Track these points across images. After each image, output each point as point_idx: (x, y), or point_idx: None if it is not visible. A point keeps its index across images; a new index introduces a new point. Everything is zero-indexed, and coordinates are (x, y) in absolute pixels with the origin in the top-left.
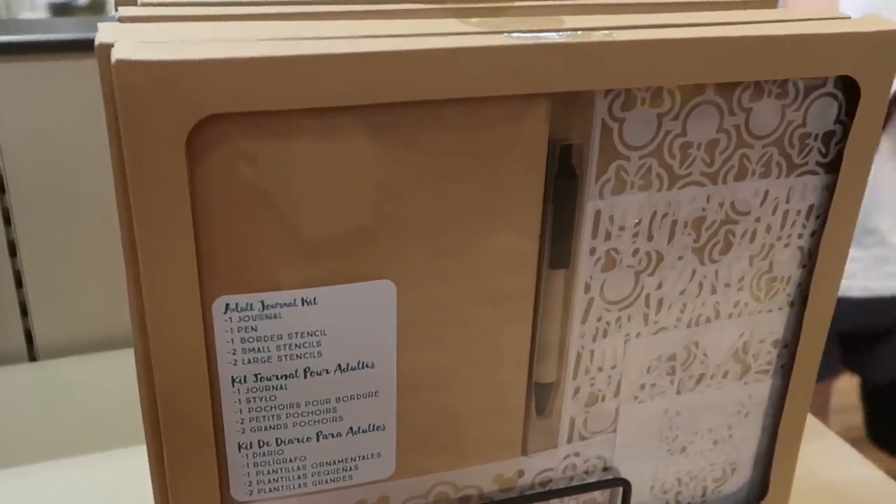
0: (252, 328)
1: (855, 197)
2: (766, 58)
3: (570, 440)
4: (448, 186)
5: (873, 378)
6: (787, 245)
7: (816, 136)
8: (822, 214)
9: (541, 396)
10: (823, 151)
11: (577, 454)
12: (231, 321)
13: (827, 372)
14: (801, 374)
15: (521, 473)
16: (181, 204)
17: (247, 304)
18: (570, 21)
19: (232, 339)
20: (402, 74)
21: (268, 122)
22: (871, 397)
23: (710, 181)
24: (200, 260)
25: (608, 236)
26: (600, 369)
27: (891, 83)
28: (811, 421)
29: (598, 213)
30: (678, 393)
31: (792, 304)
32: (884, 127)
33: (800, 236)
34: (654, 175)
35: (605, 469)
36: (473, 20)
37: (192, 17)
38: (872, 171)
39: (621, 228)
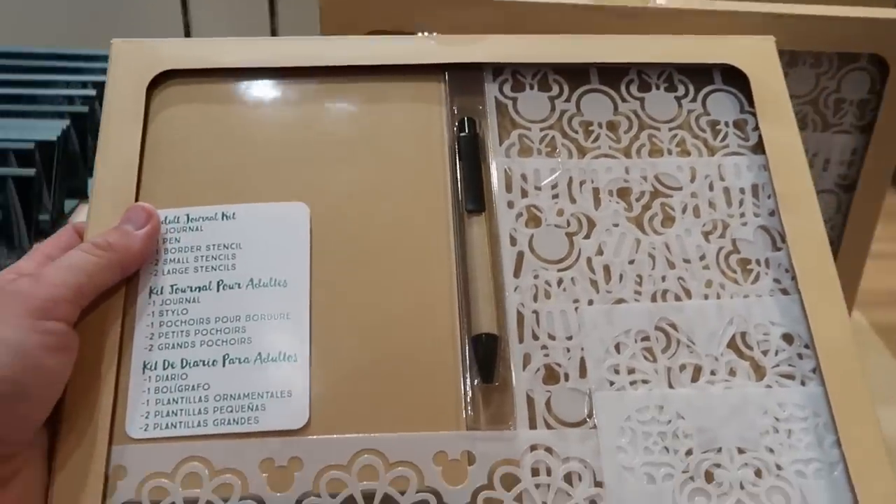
0: (176, 239)
1: (797, 175)
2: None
3: (533, 424)
4: (361, 141)
5: None
6: (744, 224)
7: (727, 122)
8: (772, 194)
9: (481, 355)
10: (742, 136)
11: (547, 450)
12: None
13: None
14: (835, 382)
15: (470, 458)
16: (134, 133)
17: (174, 217)
18: None
19: (157, 250)
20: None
21: (207, 79)
22: None
23: (623, 155)
24: (142, 176)
25: (524, 193)
26: (552, 337)
27: (779, 71)
28: None
29: (507, 171)
30: (671, 387)
31: (785, 292)
32: None
33: (756, 215)
34: (559, 144)
35: (598, 484)
36: None
37: None
38: None
39: (537, 188)
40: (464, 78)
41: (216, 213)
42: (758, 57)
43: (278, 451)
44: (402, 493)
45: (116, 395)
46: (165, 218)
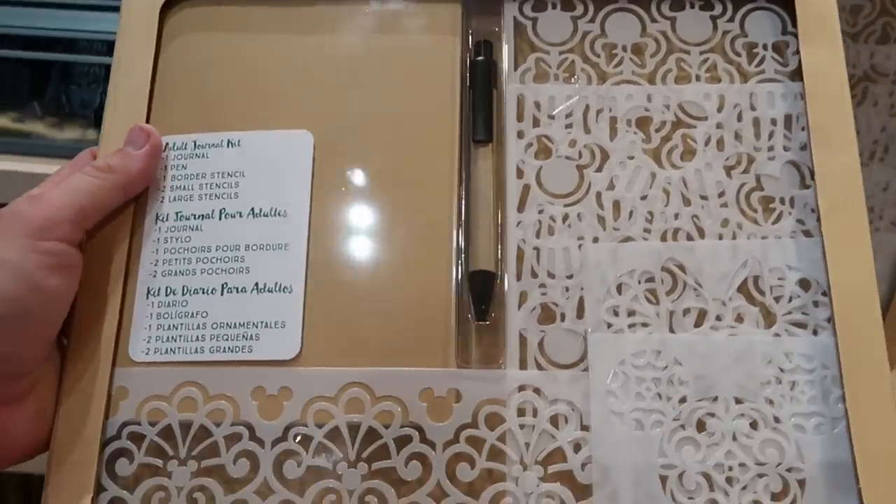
0: (182, 166)
1: (836, 104)
2: None
3: (523, 365)
4: (369, 63)
5: None
6: (772, 158)
7: (765, 45)
8: (805, 126)
9: (476, 292)
10: (780, 60)
11: (535, 390)
12: (167, 159)
13: None
14: (849, 332)
15: (457, 396)
16: (146, 58)
17: (182, 143)
18: None
19: (164, 176)
20: None
21: (220, 3)
22: None
23: (647, 81)
24: (153, 101)
25: (536, 122)
26: (552, 276)
27: None
28: None
29: (520, 98)
30: (672, 331)
31: (808, 234)
32: None
33: (786, 149)
34: (579, 69)
35: (584, 428)
36: None
37: None
38: None
39: (550, 117)
40: None
41: (222, 140)
42: None
43: (269, 381)
44: (387, 427)
45: (121, 318)
46: (174, 144)
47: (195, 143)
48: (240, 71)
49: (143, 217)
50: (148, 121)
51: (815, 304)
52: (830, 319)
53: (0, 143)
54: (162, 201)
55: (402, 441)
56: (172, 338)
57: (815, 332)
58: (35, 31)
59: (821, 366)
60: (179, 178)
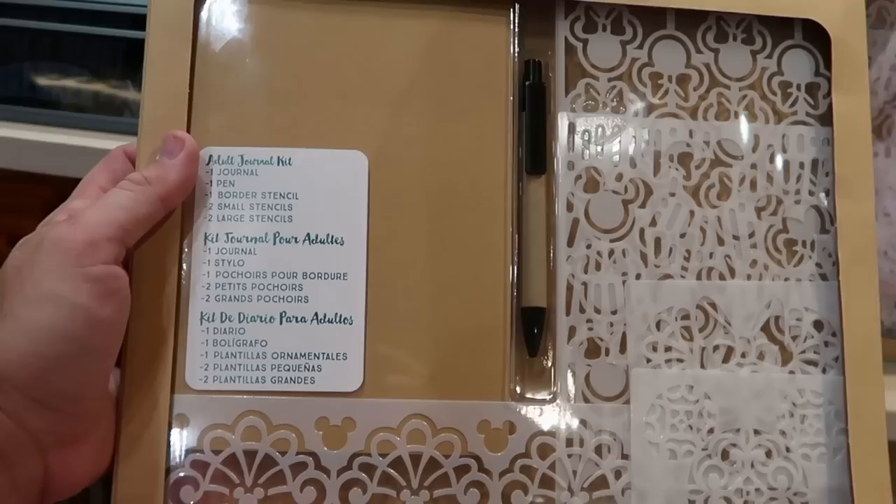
0: (230, 182)
1: (859, 154)
2: None
3: (572, 397)
4: (421, 81)
5: None
6: (798, 202)
7: (799, 86)
8: (830, 172)
9: (528, 328)
10: (811, 103)
11: (583, 422)
12: (212, 173)
13: None
14: (855, 372)
15: (511, 428)
16: (182, 57)
17: (228, 156)
18: None
19: (210, 193)
20: None
21: None
22: None
23: (689, 115)
24: (192, 110)
25: (586, 153)
26: (598, 311)
27: (863, 33)
28: None
29: (571, 126)
30: (703, 367)
31: (825, 278)
32: None
33: (811, 193)
34: (626, 99)
35: (624, 457)
36: None
37: None
38: None
39: (599, 148)
40: (533, 12)
41: (272, 156)
42: (846, 15)
43: (333, 411)
44: (447, 457)
45: (176, 343)
46: (219, 157)
47: (242, 157)
48: (283, 75)
49: (192, 236)
50: (188, 129)
51: (826, 344)
52: (837, 359)
53: (102, 122)
54: (210, 220)
55: (462, 470)
56: (231, 366)
57: (823, 371)
58: (125, 8)
59: (827, 402)
60: (227, 195)
